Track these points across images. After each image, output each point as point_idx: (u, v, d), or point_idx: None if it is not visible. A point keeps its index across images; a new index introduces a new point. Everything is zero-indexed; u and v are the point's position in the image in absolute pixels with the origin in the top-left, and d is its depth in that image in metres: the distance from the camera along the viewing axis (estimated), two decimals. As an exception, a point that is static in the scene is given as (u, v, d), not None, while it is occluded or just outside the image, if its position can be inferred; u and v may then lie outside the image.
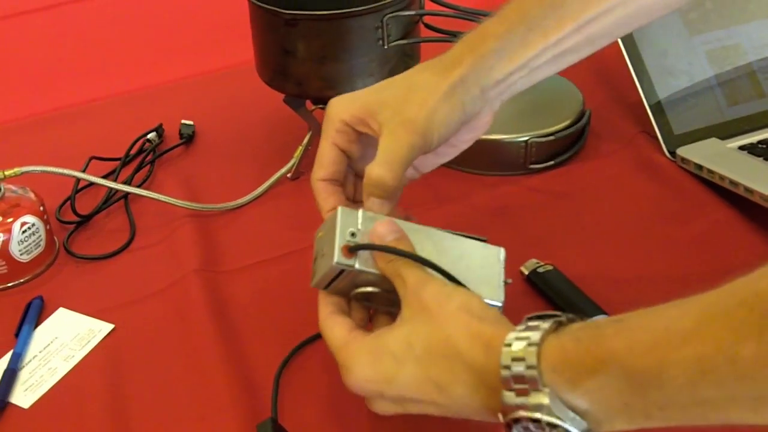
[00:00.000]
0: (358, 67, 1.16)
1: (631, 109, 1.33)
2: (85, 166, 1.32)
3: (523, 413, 0.65)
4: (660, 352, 0.60)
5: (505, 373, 0.66)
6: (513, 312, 1.00)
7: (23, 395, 0.97)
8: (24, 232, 1.11)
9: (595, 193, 1.20)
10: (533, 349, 0.65)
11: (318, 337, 0.96)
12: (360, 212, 0.82)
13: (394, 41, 1.15)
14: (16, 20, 1.86)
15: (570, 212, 1.17)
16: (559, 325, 0.68)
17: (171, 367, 0.99)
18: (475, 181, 1.23)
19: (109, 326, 1.05)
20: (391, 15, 1.13)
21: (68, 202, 1.26)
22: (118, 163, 1.34)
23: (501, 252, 0.85)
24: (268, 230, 1.19)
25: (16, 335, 1.04)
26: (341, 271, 0.81)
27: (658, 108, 1.25)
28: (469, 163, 1.24)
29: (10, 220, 1.10)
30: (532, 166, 1.23)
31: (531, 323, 0.68)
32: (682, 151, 1.22)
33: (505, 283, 0.84)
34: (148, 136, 1.39)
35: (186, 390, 0.96)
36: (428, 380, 0.72)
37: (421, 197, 1.21)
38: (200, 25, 1.79)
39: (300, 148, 1.27)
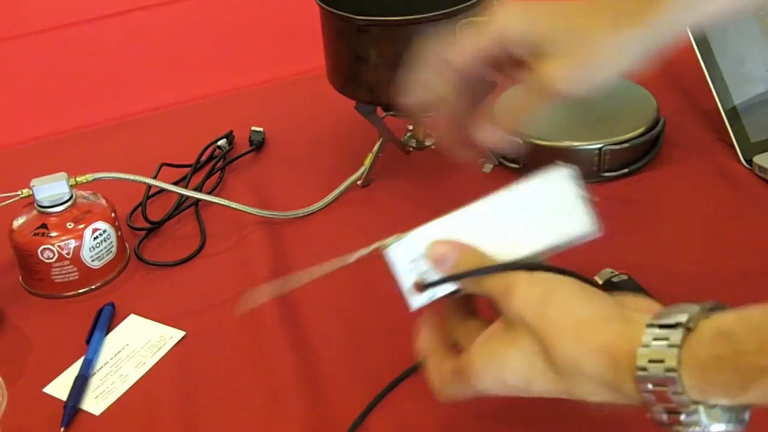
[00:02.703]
0: (431, 73, 1.15)
1: (706, 117, 1.31)
2: (156, 173, 1.32)
3: (677, 427, 0.63)
4: None
5: (647, 395, 0.63)
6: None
7: (94, 402, 0.97)
8: (95, 238, 1.11)
9: (670, 202, 1.18)
10: (673, 374, 0.62)
11: (405, 375, 0.96)
12: (406, 238, 0.78)
13: (467, 47, 1.14)
14: (90, 26, 1.87)
15: (644, 221, 1.15)
16: (688, 331, 0.63)
17: (242, 376, 0.98)
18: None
19: (181, 333, 1.04)
20: (464, 20, 1.12)
21: (139, 209, 1.26)
22: (188, 169, 1.34)
23: (565, 172, 0.78)
24: (339, 238, 1.19)
25: (87, 341, 1.04)
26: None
27: (734, 115, 1.23)
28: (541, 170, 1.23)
29: (81, 226, 1.11)
30: (605, 174, 1.21)
31: (656, 332, 0.64)
32: (758, 159, 1.20)
33: (591, 201, 0.76)
34: (219, 142, 1.39)
35: (256, 399, 0.95)
36: (560, 392, 0.69)
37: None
38: (271, 31, 1.79)
39: (370, 155, 1.26)
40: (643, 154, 1.23)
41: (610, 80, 0.81)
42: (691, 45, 1.24)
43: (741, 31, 1.26)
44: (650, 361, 0.63)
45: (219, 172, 1.34)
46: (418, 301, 0.77)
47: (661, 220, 1.15)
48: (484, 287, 0.74)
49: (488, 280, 0.74)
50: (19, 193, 1.12)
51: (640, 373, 0.63)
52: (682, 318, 0.63)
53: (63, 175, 1.12)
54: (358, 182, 1.27)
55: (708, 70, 1.24)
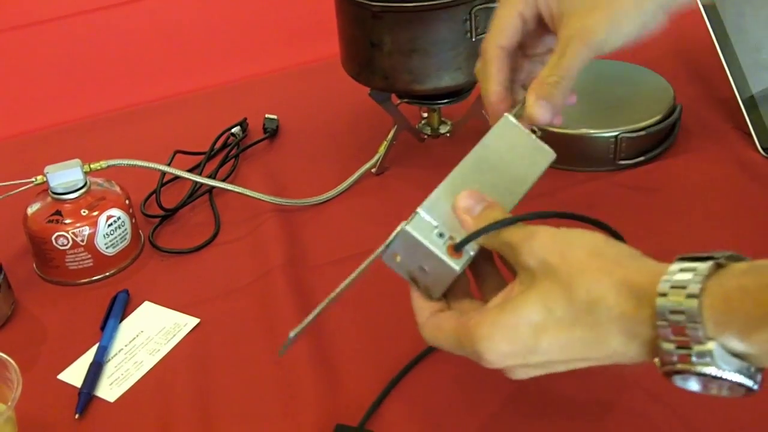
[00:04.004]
0: (446, 60, 1.14)
1: (723, 105, 1.30)
2: (170, 160, 1.32)
3: (685, 366, 0.61)
4: None
5: (662, 325, 0.61)
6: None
7: (109, 389, 0.97)
8: (110, 225, 1.11)
9: (687, 190, 1.18)
10: (694, 301, 0.60)
11: (420, 357, 0.96)
12: (420, 211, 0.78)
13: (482, 34, 1.13)
14: (105, 14, 1.87)
15: (660, 209, 1.15)
16: (718, 267, 0.62)
17: (256, 363, 0.98)
18: (563, 177, 1.21)
19: (195, 320, 1.04)
20: (480, 7, 1.11)
21: (153, 196, 1.26)
22: (202, 157, 1.34)
23: (509, 119, 0.83)
24: (353, 226, 1.19)
25: (102, 328, 1.04)
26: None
27: (751, 103, 1.22)
28: (557, 158, 1.22)
29: (95, 213, 1.11)
30: (621, 162, 1.21)
31: (684, 264, 0.63)
32: (776, 147, 1.19)
33: (537, 134, 0.83)
34: (233, 130, 1.39)
35: (271, 386, 0.95)
36: (576, 340, 0.67)
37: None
38: (285, 19, 1.78)
39: (385, 142, 1.26)
40: (659, 142, 1.23)
41: (636, 31, 0.81)
42: (708, 33, 1.23)
43: (759, 19, 1.25)
44: (672, 287, 0.61)
45: (233, 160, 1.34)
46: (459, 264, 0.76)
47: (678, 208, 1.14)
48: (505, 237, 0.73)
49: (510, 229, 0.73)
50: (33, 180, 1.12)
51: (660, 300, 0.61)
52: (716, 254, 0.62)
53: (77, 162, 1.12)
54: (373, 170, 1.26)
55: (725, 59, 1.23)
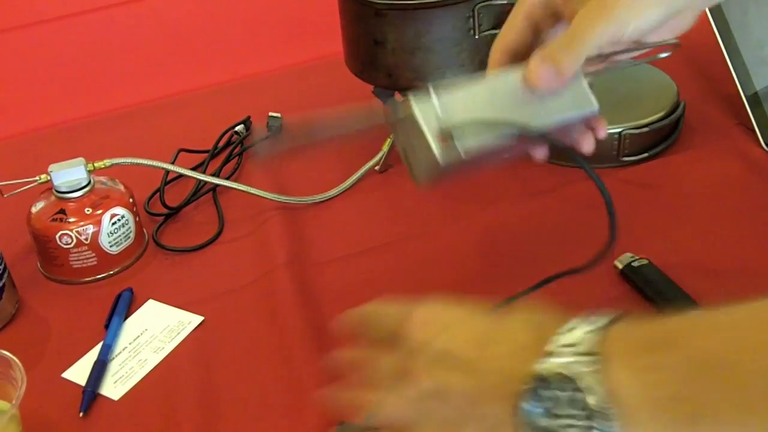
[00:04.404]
0: (449, 57, 1.14)
1: (727, 101, 1.30)
2: (173, 159, 1.32)
3: (550, 365, 0.59)
4: (741, 334, 0.56)
5: (553, 344, 0.61)
6: (607, 306, 0.98)
7: (113, 387, 0.97)
8: (114, 224, 1.11)
9: (690, 186, 1.18)
10: (592, 335, 0.60)
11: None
12: (431, 90, 0.77)
13: (486, 31, 1.14)
14: (108, 12, 1.87)
15: (664, 205, 1.15)
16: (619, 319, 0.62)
17: (260, 360, 0.98)
18: (566, 173, 1.21)
19: (199, 318, 1.04)
20: (482, 4, 1.12)
21: (157, 194, 1.26)
22: (206, 155, 1.34)
23: None
24: (356, 223, 1.19)
25: (106, 327, 1.04)
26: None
27: (755, 99, 1.22)
28: (560, 154, 1.22)
29: (99, 212, 1.11)
30: (625, 159, 1.21)
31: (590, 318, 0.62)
32: (779, 144, 1.19)
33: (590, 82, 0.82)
34: (236, 128, 1.39)
35: (275, 383, 0.95)
36: (478, 335, 0.68)
37: (511, 190, 1.19)
38: (289, 17, 1.78)
39: (388, 140, 1.26)
40: (663, 138, 1.23)
41: (661, 16, 0.80)
42: (712, 29, 1.23)
43: (762, 16, 1.25)
44: (571, 329, 0.61)
45: (236, 158, 1.34)
46: (442, 154, 0.76)
47: (681, 204, 1.14)
48: None
49: None
50: (37, 178, 1.12)
51: (560, 335, 0.61)
52: (602, 320, 0.62)
53: (81, 160, 1.12)
54: (376, 168, 1.26)
55: (729, 55, 1.23)
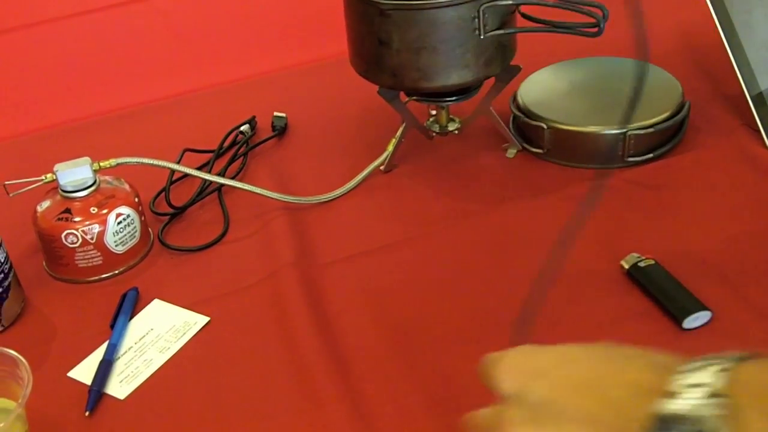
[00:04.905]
0: (454, 57, 1.14)
1: (731, 102, 1.30)
2: (179, 158, 1.32)
3: (674, 406, 0.53)
4: None
5: (676, 384, 0.54)
6: (613, 307, 0.99)
7: (119, 386, 0.97)
8: (119, 223, 1.12)
9: (696, 186, 1.18)
10: (721, 376, 0.53)
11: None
12: None
13: (491, 31, 1.13)
14: (113, 11, 1.87)
15: (670, 205, 1.15)
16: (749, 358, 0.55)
17: (267, 361, 0.98)
18: (571, 173, 1.21)
19: (205, 319, 1.05)
20: (488, 4, 1.11)
21: (162, 194, 1.27)
22: (211, 155, 1.35)
23: None
24: (362, 223, 1.19)
25: (112, 326, 1.05)
26: None
27: (760, 100, 1.22)
28: (565, 155, 1.22)
29: (105, 211, 1.11)
30: (630, 159, 1.21)
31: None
32: (785, 144, 1.20)
33: None
34: (242, 128, 1.40)
35: (282, 383, 0.95)
36: (585, 380, 0.60)
37: (517, 190, 1.20)
38: (293, 16, 1.78)
39: (393, 140, 1.26)
40: (668, 138, 1.23)
41: None
42: (716, 29, 1.23)
43: (767, 15, 1.25)
44: (688, 386, 0.54)
45: (242, 158, 1.34)
46: None
47: (687, 205, 1.14)
48: None
49: None
50: (43, 178, 1.12)
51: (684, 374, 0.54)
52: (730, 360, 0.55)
53: (87, 159, 1.12)
54: (381, 168, 1.26)
55: (733, 55, 1.23)
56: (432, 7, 1.11)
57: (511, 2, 1.14)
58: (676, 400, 0.54)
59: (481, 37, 1.13)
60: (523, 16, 1.18)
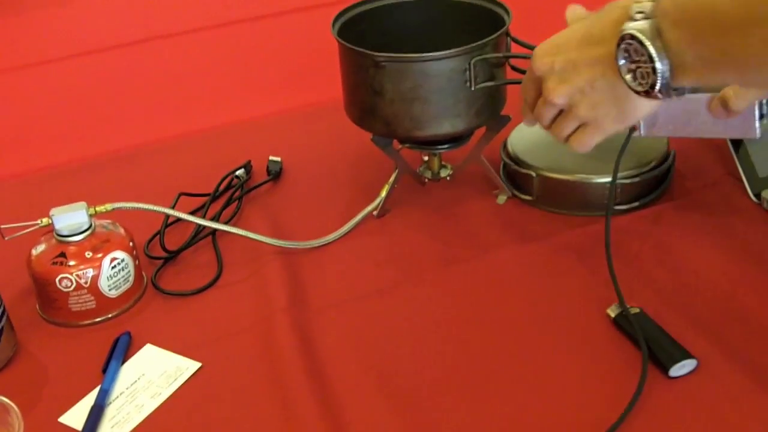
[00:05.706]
0: (446, 108, 1.16)
1: (716, 151, 1.32)
2: (174, 202, 1.33)
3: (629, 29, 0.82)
4: None
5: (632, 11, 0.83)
6: (599, 356, 1.00)
7: None
8: (113, 267, 1.13)
9: (681, 235, 1.19)
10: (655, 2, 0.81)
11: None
12: None
13: (481, 83, 1.15)
14: (109, 54, 1.89)
15: (656, 254, 1.16)
16: None
17: (258, 406, 0.99)
18: (559, 221, 1.23)
19: (197, 364, 1.05)
20: (478, 58, 1.13)
21: (157, 237, 1.28)
22: (206, 198, 1.36)
23: None
24: (355, 268, 1.20)
25: (104, 371, 1.05)
26: None
27: (743, 151, 1.24)
28: (553, 202, 1.24)
29: (99, 255, 1.12)
30: (617, 207, 1.22)
31: None
32: (767, 194, 1.21)
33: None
34: (237, 172, 1.40)
35: (272, 429, 0.96)
36: (581, 35, 0.91)
37: (505, 236, 1.21)
38: (289, 62, 1.80)
39: (386, 186, 1.27)
40: (654, 187, 1.24)
41: None
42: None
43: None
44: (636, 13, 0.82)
45: (237, 202, 1.35)
46: None
47: (673, 253, 1.16)
48: None
49: None
50: (39, 222, 1.13)
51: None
52: None
53: (83, 204, 1.13)
54: (374, 213, 1.28)
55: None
56: (425, 60, 1.13)
57: (500, 55, 1.16)
58: (631, 23, 0.82)
59: (472, 88, 1.15)
60: (513, 68, 1.19)
